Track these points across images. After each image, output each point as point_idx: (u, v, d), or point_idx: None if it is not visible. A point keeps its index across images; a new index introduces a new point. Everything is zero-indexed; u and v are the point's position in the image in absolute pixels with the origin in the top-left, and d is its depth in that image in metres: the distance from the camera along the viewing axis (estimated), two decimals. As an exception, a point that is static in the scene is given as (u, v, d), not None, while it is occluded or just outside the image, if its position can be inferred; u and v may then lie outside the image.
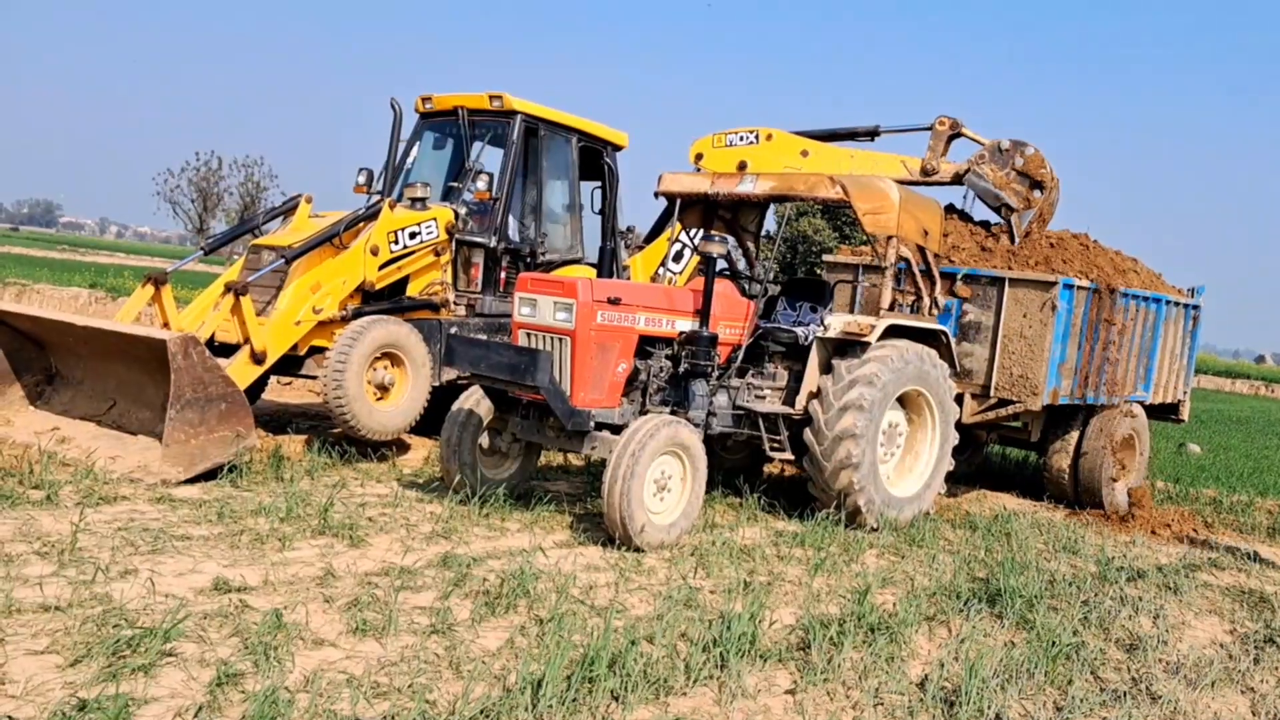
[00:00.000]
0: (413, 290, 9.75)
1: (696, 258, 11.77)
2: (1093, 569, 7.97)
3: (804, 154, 11.13)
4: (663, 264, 10.67)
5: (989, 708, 4.82)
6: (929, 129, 10.97)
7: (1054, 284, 9.79)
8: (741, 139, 11.28)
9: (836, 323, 8.52)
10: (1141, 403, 11.46)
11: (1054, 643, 5.72)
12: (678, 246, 11.62)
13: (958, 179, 10.83)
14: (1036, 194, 10.54)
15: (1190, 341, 12.32)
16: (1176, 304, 11.79)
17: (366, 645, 4.83)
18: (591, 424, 7.42)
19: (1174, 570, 8.21)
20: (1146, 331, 11.27)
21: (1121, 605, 6.91)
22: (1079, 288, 10.00)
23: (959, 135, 10.89)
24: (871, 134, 11.35)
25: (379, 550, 6.39)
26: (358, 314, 9.08)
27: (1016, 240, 10.57)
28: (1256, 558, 9.15)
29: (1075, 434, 10.86)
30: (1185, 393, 12.47)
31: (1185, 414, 12.73)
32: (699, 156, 11.52)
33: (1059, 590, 7.10)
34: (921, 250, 9.15)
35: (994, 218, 11.17)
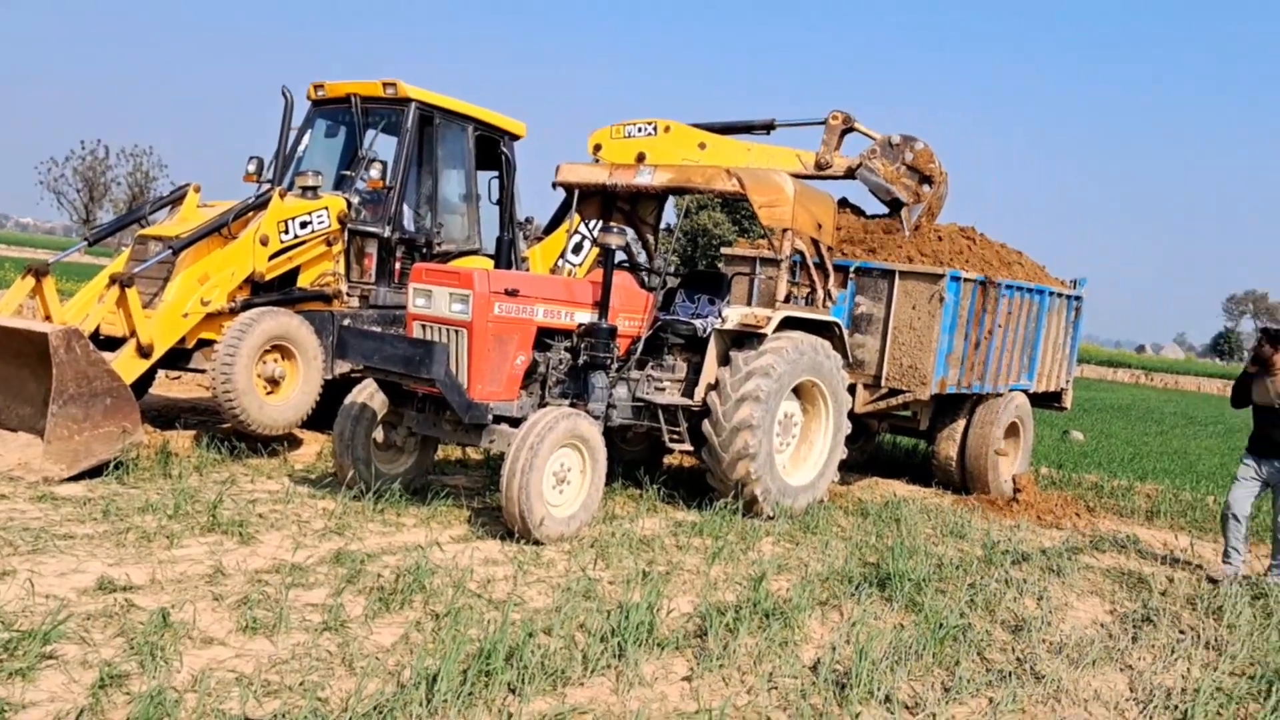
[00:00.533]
0: (304, 281, 9.56)
1: (596, 249, 11.77)
2: (979, 553, 8.20)
3: (701, 146, 11.22)
4: (562, 255, 10.64)
5: (879, 689, 4.93)
6: (823, 123, 11.13)
7: (942, 276, 10.02)
8: (640, 130, 11.32)
9: (734, 315, 8.61)
10: (1026, 391, 11.82)
11: (941, 624, 5.87)
12: (577, 238, 11.61)
13: (850, 173, 11.01)
14: (925, 188, 10.79)
15: (1073, 332, 12.73)
16: (1059, 295, 12.17)
17: (257, 643, 4.74)
18: (489, 417, 7.37)
19: (1057, 553, 8.49)
20: (1030, 322, 11.61)
21: (1006, 587, 7.12)
22: (965, 280, 10.26)
23: (851, 130, 11.07)
24: (767, 127, 11.48)
25: (270, 547, 6.28)
26: (247, 306, 8.88)
27: (907, 233, 10.80)
28: (1135, 540, 9.51)
29: (962, 422, 11.16)
30: (1068, 381, 12.89)
31: (1068, 402, 13.16)
32: (597, 148, 11.53)
33: (947, 573, 7.30)
34: (815, 243, 9.29)
35: (885, 210, 11.38)
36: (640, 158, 11.16)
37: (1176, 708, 5.28)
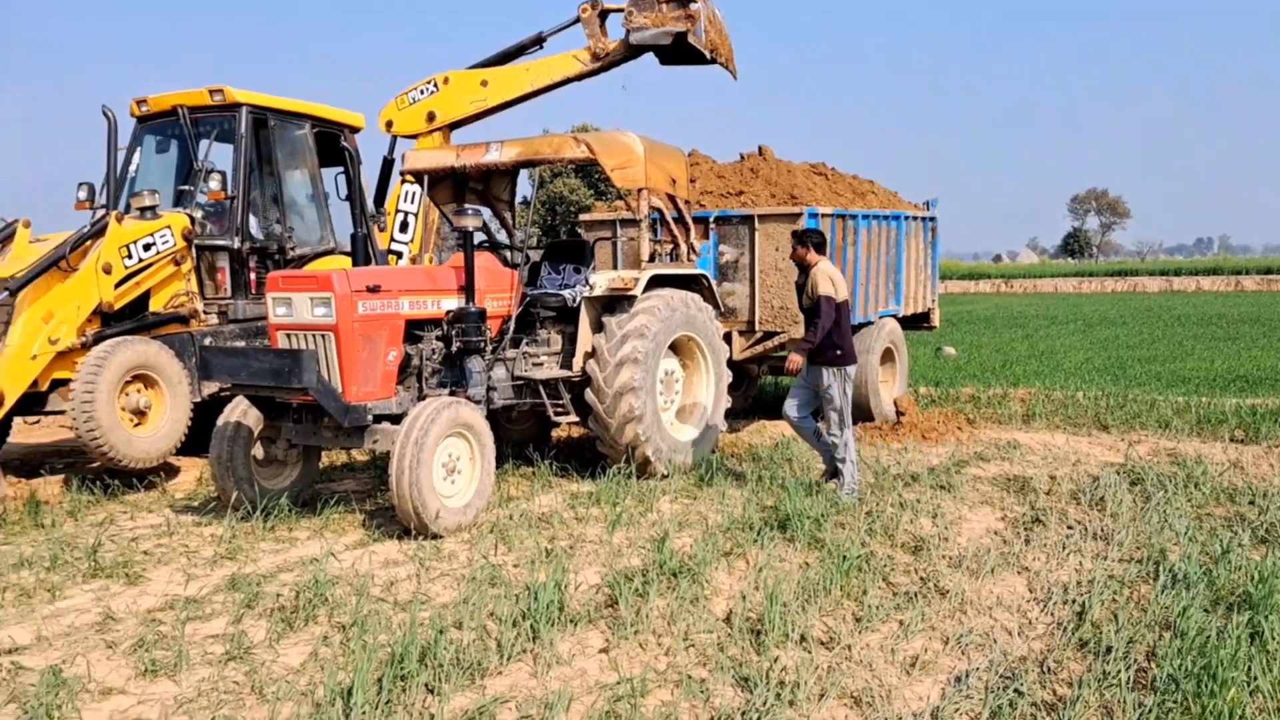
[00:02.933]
0: (156, 305, 9.19)
1: (424, 224, 11.58)
2: (871, 480, 8.39)
3: (484, 84, 11.06)
4: (393, 239, 10.45)
5: (793, 630, 5.01)
6: (578, 21, 10.73)
7: (800, 215, 10.15)
8: (421, 93, 11.15)
9: (601, 280, 8.59)
10: (895, 316, 12.09)
11: (845, 557, 5.99)
12: (401, 216, 11.42)
13: (630, 49, 10.57)
14: (694, 5, 10.21)
15: (931, 252, 13.07)
16: (915, 219, 12.47)
17: (160, 685, 4.58)
18: (369, 417, 7.23)
19: (945, 469, 8.74)
20: (890, 249, 11.87)
21: (902, 510, 7.32)
22: (823, 215, 10.41)
23: (606, 12, 10.62)
24: (538, 42, 11.21)
25: (159, 584, 6.05)
26: (100, 338, 8.50)
27: (707, 55, 10.38)
28: (1016, 445, 9.85)
29: (840, 355, 11.35)
30: (933, 301, 13.24)
31: (935, 320, 13.54)
32: (389, 124, 11.31)
33: (843, 506, 7.44)
34: (672, 199, 9.31)
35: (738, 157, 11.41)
36: (431, 117, 11.03)
37: (1074, 601, 5.50)
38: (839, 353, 7.88)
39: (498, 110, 11.13)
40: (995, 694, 4.32)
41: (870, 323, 11.44)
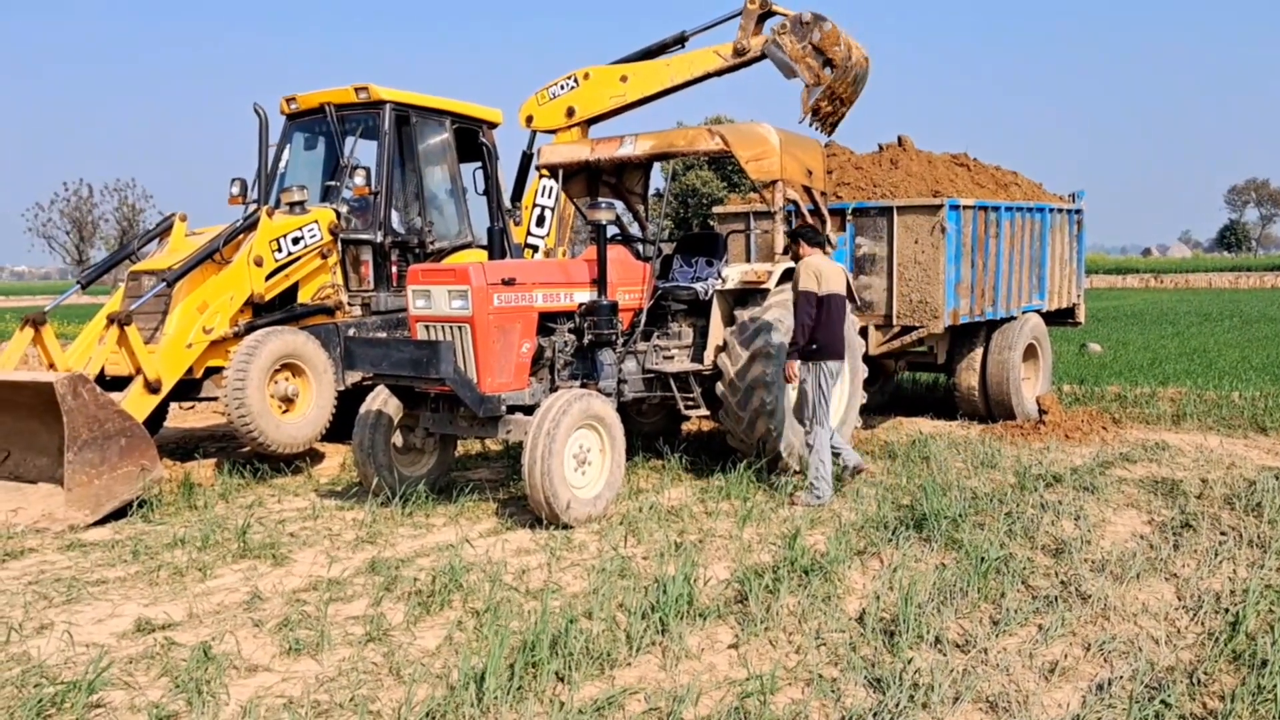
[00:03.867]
0: (304, 297, 9.53)
1: (559, 218, 11.67)
2: (1012, 480, 8.15)
3: (623, 79, 11.07)
4: (529, 233, 10.56)
5: (928, 632, 4.89)
6: (738, 14, 10.55)
7: (940, 207, 9.92)
8: (561, 88, 11.20)
9: (734, 273, 8.55)
10: (1039, 311, 11.73)
11: (983, 559, 5.83)
12: (538, 211, 11.54)
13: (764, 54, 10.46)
14: (827, 71, 10.16)
15: (1077, 245, 12.63)
16: (1060, 211, 12.07)
17: (302, 664, 4.73)
18: (503, 408, 7.34)
19: (1089, 470, 8.44)
20: (1034, 242, 11.51)
21: (1043, 512, 7.08)
22: (964, 207, 10.16)
23: (770, 14, 10.48)
24: (680, 41, 11.18)
25: (304, 565, 6.27)
26: (250, 328, 8.84)
27: (804, 117, 10.34)
28: (1165, 447, 9.44)
29: (980, 350, 11.09)
30: (1079, 295, 12.80)
31: (1081, 316, 13.09)
32: (529, 119, 11.41)
33: (982, 506, 7.25)
34: (808, 190, 9.20)
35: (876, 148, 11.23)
36: (570, 112, 11.07)
37: (1228, 610, 5.23)
38: (815, 347, 7.69)
39: (637, 105, 11.14)
40: (1140, 704, 4.13)
41: (1013, 318, 11.12)
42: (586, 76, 11.16)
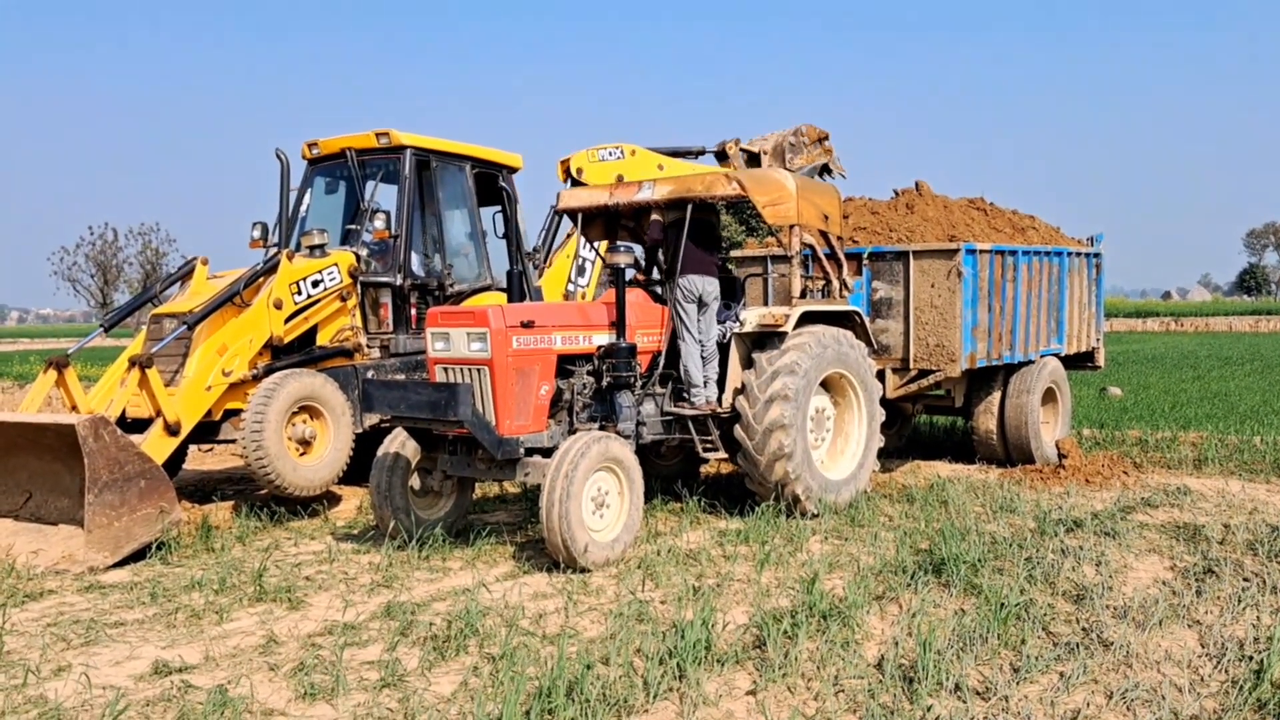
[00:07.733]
0: (323, 339, 9.59)
1: (598, 267, 11.74)
2: (1031, 525, 8.08)
3: (660, 168, 11.21)
4: (570, 281, 10.62)
5: (948, 679, 4.84)
6: (725, 156, 10.93)
7: (956, 251, 9.93)
8: (610, 154, 11.34)
9: (751, 316, 8.56)
10: (1058, 355, 11.69)
11: (1003, 604, 5.77)
12: (579, 261, 11.61)
13: None
14: (825, 143, 10.63)
15: (1095, 289, 12.60)
16: (1078, 255, 12.05)
17: (317, 709, 4.71)
18: (521, 450, 7.34)
19: (1109, 515, 8.36)
20: (1052, 285, 11.49)
21: (1063, 557, 7.02)
22: (981, 251, 10.16)
23: (755, 156, 10.77)
24: (698, 153, 11.42)
25: (320, 609, 6.25)
26: (269, 371, 8.90)
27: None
28: (1186, 492, 9.36)
29: (998, 394, 11.04)
30: (1098, 339, 12.75)
31: (1101, 360, 13.02)
32: (579, 170, 11.51)
33: (1001, 551, 7.18)
34: (825, 235, 9.23)
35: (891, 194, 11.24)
36: (619, 179, 11.19)
37: (1252, 658, 5.16)
38: None
39: None
40: (1166, 755, 4.08)
41: (1031, 361, 11.08)
42: (634, 153, 11.33)
